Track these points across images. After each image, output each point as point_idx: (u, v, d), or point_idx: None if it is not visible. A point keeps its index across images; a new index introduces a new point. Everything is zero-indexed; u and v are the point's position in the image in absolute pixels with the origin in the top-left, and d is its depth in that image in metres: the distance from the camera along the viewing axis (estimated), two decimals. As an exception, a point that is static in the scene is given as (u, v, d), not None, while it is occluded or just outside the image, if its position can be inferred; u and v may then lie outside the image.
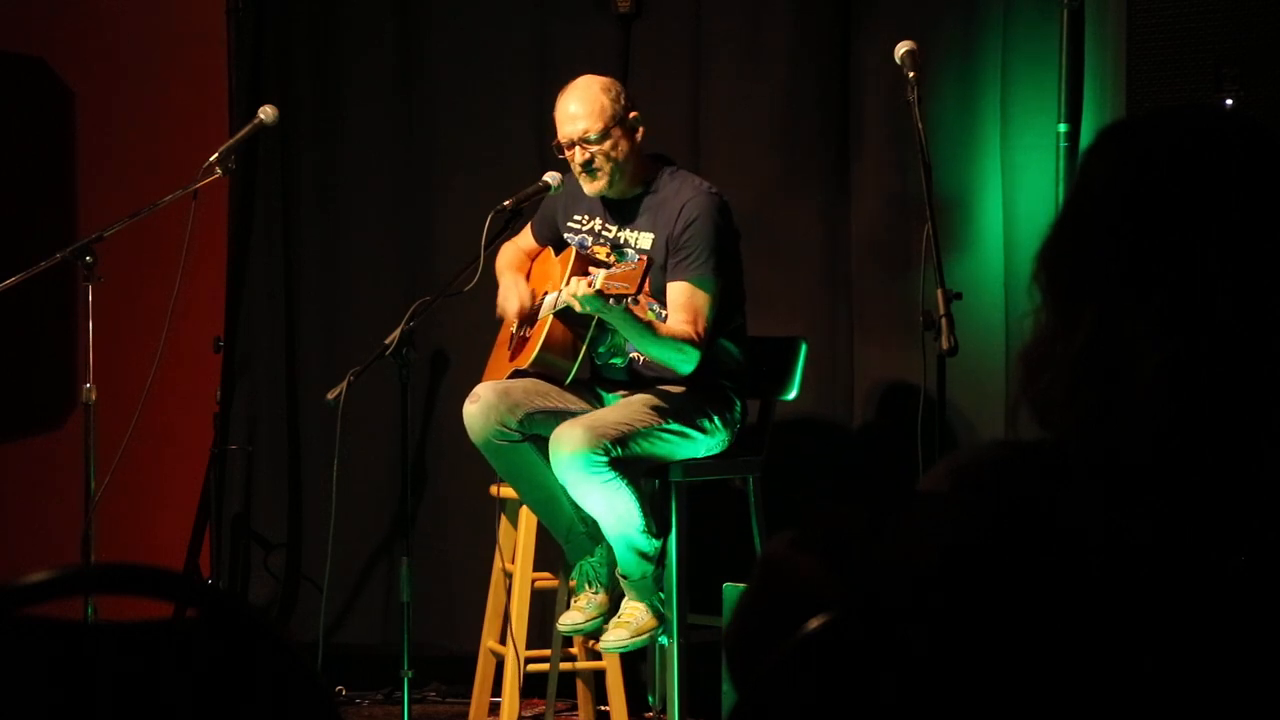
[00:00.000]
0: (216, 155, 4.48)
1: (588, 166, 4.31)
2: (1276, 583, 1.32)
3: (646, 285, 4.23)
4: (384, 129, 5.49)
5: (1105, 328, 1.37)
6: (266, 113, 4.60)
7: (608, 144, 4.30)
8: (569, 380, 4.34)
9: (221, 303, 5.60)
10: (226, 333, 5.56)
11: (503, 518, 4.55)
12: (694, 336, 4.20)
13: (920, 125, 4.02)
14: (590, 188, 4.34)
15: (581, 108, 4.31)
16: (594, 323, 4.28)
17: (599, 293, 3.93)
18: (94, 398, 4.40)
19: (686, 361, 4.22)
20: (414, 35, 5.45)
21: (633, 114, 4.35)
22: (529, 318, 4.47)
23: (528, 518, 4.48)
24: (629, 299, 3.95)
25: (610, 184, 4.34)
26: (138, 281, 5.43)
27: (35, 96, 5.90)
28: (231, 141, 4.62)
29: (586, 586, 4.37)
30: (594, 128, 4.29)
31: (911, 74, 4.07)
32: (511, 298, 4.49)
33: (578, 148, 4.31)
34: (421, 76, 5.45)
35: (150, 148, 5.72)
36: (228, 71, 5.63)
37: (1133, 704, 1.27)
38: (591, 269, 4.28)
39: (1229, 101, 3.93)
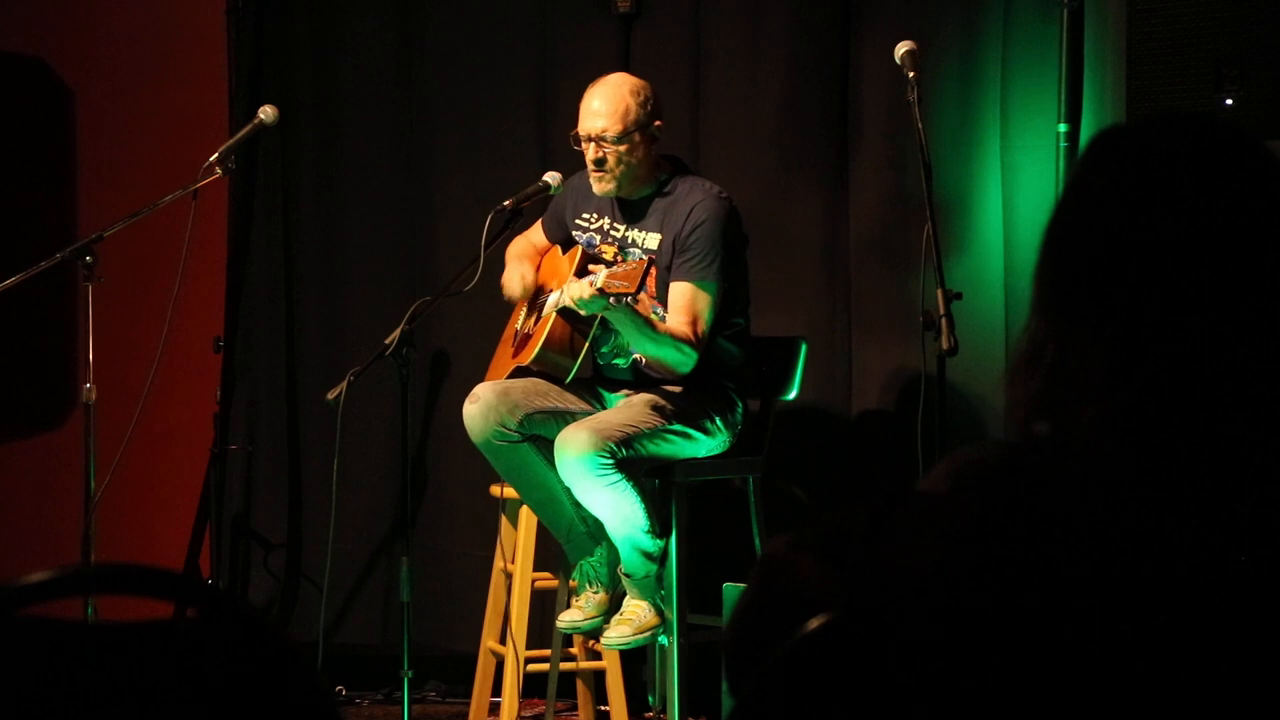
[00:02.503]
0: (216, 155, 4.48)
1: (600, 164, 4.31)
2: (1276, 582, 1.32)
3: (651, 286, 4.24)
4: (384, 129, 5.48)
5: (1076, 342, 1.37)
6: (266, 113, 4.61)
7: (624, 147, 4.29)
8: (569, 379, 4.34)
9: (221, 303, 5.59)
10: (226, 333, 5.56)
11: (503, 518, 4.55)
12: (691, 338, 4.20)
13: (920, 125, 4.03)
14: (599, 187, 4.34)
15: (605, 106, 4.31)
16: (596, 322, 4.28)
17: (600, 291, 3.94)
18: (94, 398, 4.40)
19: (684, 363, 4.22)
20: (414, 35, 5.44)
21: (657, 123, 4.34)
22: (535, 309, 4.47)
23: (528, 518, 4.48)
24: (629, 298, 3.95)
25: (619, 187, 4.34)
26: (138, 281, 5.43)
27: (35, 96, 5.90)
28: (231, 141, 4.62)
29: (587, 586, 4.37)
30: (613, 129, 4.29)
31: (911, 74, 4.07)
32: (515, 279, 4.50)
33: (593, 144, 4.31)
34: (421, 76, 5.44)
35: (150, 148, 5.72)
36: (228, 71, 5.63)
37: (1132, 704, 1.27)
38: (592, 267, 4.29)
39: (1229, 101, 3.92)
